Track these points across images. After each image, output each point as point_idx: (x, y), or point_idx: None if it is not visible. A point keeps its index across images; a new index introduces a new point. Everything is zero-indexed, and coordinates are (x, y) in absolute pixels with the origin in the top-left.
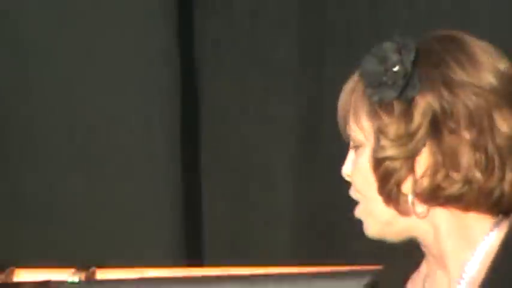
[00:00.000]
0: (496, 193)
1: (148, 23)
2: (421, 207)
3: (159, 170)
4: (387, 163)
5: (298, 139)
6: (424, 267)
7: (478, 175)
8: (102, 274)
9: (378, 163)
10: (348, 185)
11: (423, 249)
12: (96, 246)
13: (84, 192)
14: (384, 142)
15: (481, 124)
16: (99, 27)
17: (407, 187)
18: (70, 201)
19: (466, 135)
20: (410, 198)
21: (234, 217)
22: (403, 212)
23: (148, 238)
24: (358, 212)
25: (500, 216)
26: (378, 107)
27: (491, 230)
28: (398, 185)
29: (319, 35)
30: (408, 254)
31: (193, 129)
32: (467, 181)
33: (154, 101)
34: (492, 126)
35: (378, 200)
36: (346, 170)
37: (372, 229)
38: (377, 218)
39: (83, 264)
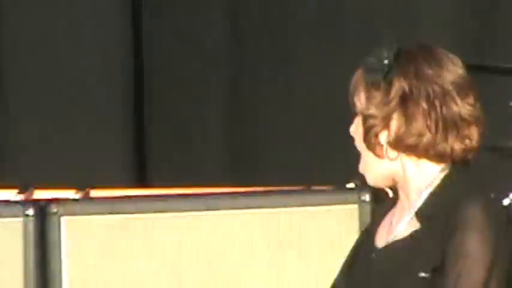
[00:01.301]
0: (440, 148)
1: None
2: (391, 153)
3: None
4: (370, 120)
5: None
6: (397, 205)
7: (427, 134)
8: (94, 193)
9: (364, 119)
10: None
11: (399, 190)
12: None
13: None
14: (370, 105)
15: (434, 103)
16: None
17: (382, 138)
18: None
19: (422, 107)
20: (384, 145)
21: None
22: (379, 155)
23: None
24: (361, 168)
25: (444, 165)
26: (371, 85)
27: (439, 172)
28: (376, 135)
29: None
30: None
31: None
32: (420, 136)
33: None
34: (444, 105)
35: (367, 151)
36: (352, 129)
37: (370, 180)
38: (370, 169)
39: (81, 186)
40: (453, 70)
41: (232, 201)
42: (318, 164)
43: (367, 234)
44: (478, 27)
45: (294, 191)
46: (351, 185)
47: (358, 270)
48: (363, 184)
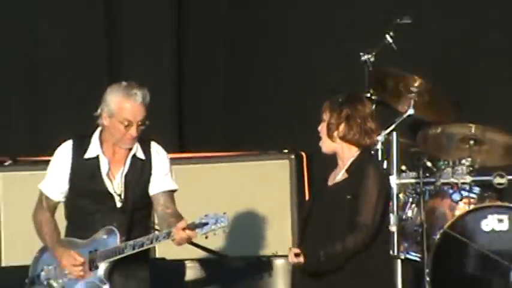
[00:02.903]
0: (360, 142)
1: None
2: (338, 141)
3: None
4: (331, 126)
5: None
6: (337, 168)
7: (356, 135)
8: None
9: (328, 125)
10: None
11: (338, 158)
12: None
13: None
14: (332, 119)
15: (360, 121)
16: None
17: (335, 134)
18: None
19: (355, 123)
20: (335, 137)
21: None
22: (333, 141)
23: None
24: (321, 143)
25: (359, 148)
26: (333, 109)
27: (357, 152)
28: (333, 133)
29: None
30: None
31: None
32: (353, 136)
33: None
34: (364, 123)
35: (326, 137)
36: (319, 128)
37: (324, 151)
38: (326, 146)
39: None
40: (368, 106)
41: (226, 159)
42: (274, 139)
43: (324, 180)
44: None
45: (256, 153)
46: (285, 150)
47: (319, 198)
48: (291, 150)
